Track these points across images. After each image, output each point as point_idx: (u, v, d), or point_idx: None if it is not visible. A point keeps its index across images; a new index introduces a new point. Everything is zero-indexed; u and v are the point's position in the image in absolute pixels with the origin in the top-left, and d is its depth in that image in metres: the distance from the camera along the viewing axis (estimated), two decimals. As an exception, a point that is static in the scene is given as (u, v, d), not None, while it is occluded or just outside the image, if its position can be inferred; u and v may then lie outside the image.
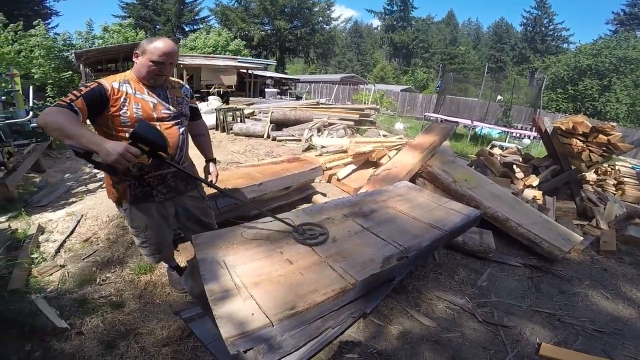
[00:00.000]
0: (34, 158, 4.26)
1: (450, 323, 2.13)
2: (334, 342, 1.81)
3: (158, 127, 1.67)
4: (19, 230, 2.86)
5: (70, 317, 1.96)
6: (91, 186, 4.07)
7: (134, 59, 1.67)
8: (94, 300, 2.14)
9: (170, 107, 1.75)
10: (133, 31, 17.88)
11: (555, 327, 2.21)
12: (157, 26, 33.18)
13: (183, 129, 1.82)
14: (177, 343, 1.82)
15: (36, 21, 14.17)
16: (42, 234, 2.87)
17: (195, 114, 2.01)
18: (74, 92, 1.50)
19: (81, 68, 12.10)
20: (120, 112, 1.59)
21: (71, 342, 1.80)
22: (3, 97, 4.24)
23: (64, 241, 2.78)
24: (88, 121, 1.56)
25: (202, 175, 2.07)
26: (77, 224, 3.01)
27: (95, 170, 4.36)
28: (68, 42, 14.91)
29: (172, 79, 1.84)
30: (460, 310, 2.26)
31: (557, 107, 23.94)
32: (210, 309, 1.35)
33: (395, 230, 2.13)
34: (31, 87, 5.83)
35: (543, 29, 42.38)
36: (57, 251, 2.65)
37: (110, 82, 1.59)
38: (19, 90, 4.84)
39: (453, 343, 1.97)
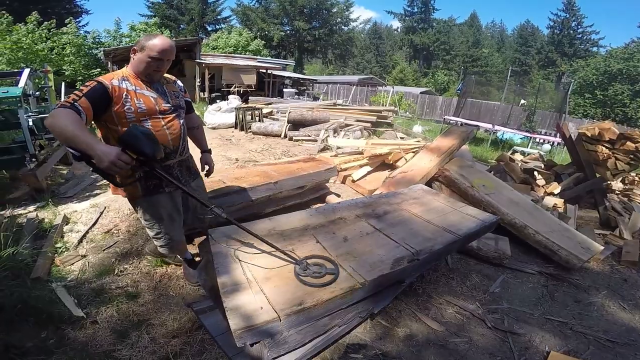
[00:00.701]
0: (63, 151, 4.45)
1: (458, 328, 2.11)
2: (340, 341, 1.82)
3: (158, 124, 1.75)
4: (45, 220, 3.01)
5: (87, 306, 2.04)
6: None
7: (131, 55, 1.72)
8: (111, 290, 2.21)
9: (170, 100, 1.84)
10: (158, 30, 18.37)
11: (566, 335, 2.15)
12: (181, 25, 33.98)
13: (182, 120, 1.93)
14: (187, 335, 1.86)
15: (68, 19, 14.72)
16: (66, 224, 3.01)
17: (190, 108, 2.11)
18: (76, 91, 1.54)
19: (109, 65, 12.49)
20: (125, 108, 1.65)
21: (85, 331, 1.86)
22: (37, 93, 4.43)
23: (87, 232, 2.90)
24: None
25: (199, 165, 2.22)
26: (100, 216, 3.13)
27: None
28: (97, 40, 15.39)
29: (166, 75, 1.90)
30: (470, 316, 2.23)
31: (585, 113, 23.14)
32: (221, 303, 1.40)
33: (407, 233, 2.13)
34: (63, 84, 6.05)
35: (571, 32, 40.83)
36: (80, 241, 2.77)
37: (109, 80, 1.63)
38: (51, 86, 5.05)
39: (459, 348, 1.94)
